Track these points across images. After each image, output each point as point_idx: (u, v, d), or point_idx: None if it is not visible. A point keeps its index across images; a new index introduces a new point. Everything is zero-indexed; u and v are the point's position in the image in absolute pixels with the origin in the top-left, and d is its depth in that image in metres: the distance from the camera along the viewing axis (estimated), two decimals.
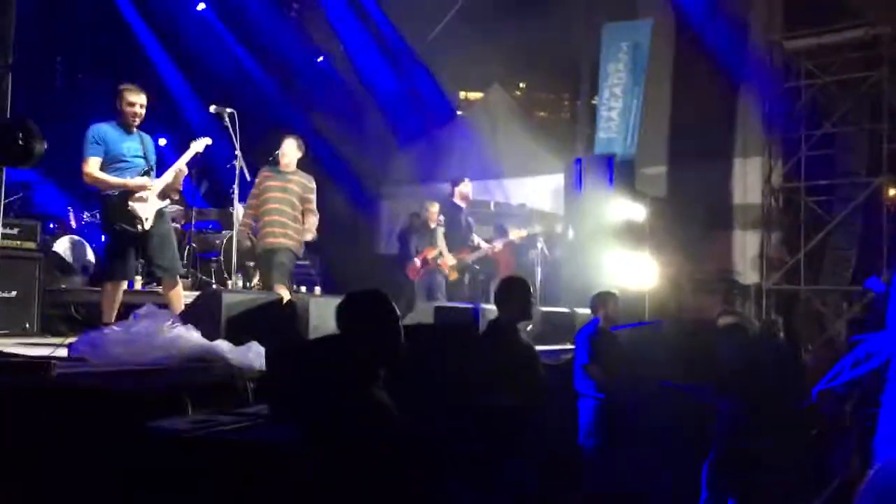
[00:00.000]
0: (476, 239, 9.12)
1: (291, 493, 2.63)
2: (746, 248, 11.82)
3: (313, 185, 6.63)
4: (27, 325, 6.27)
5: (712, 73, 11.71)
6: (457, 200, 8.99)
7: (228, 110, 5.93)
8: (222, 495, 2.65)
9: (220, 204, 9.56)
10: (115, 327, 4.42)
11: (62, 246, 8.28)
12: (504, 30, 12.69)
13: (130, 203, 5.44)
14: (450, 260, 8.74)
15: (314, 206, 6.61)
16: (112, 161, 5.48)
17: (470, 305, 6.67)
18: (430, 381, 3.65)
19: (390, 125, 13.39)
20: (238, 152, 6.08)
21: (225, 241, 8.58)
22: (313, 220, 6.58)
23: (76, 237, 8.48)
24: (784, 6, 11.64)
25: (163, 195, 5.62)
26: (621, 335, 6.56)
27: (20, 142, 5.20)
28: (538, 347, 5.80)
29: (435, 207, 9.20)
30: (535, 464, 4.09)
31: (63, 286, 7.71)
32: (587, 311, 6.80)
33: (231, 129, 5.91)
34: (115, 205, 5.46)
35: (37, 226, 7.36)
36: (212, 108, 6.14)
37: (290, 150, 6.54)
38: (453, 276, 8.81)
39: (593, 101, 12.34)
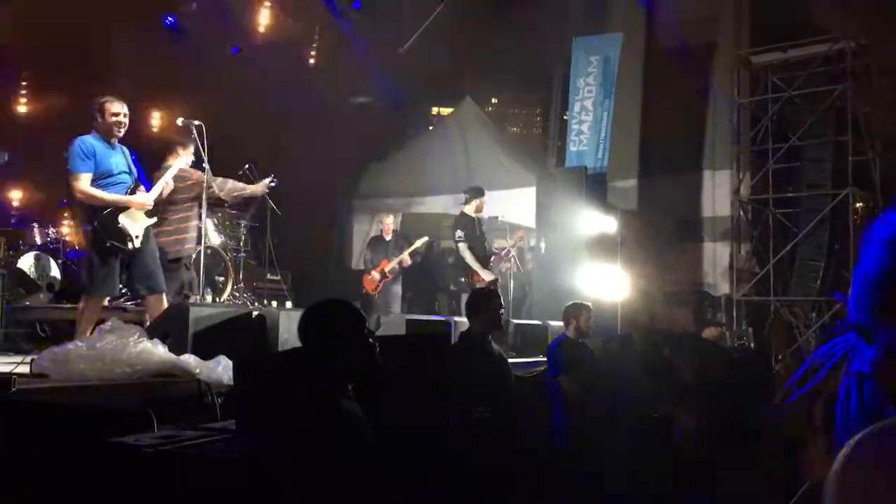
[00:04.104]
0: (491, 246, 8.55)
1: None
2: (716, 260, 11.94)
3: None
4: None
5: (682, 87, 11.85)
6: (470, 212, 8.33)
7: (196, 122, 5.85)
8: None
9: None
10: (79, 343, 4.31)
11: (26, 262, 8.11)
12: (475, 45, 12.74)
13: (121, 220, 5.34)
14: (486, 276, 7.94)
15: None
16: (100, 177, 5.34)
17: (442, 318, 6.63)
18: (403, 392, 3.60)
19: (361, 139, 13.34)
20: (206, 165, 6.00)
21: (194, 255, 8.47)
22: None
23: (41, 253, 8.31)
24: (751, 22, 11.83)
25: (151, 213, 5.55)
26: (592, 347, 6.56)
27: None
28: (511, 360, 5.79)
29: (389, 220, 9.17)
30: (508, 475, 4.05)
31: (27, 303, 7.55)
32: (560, 323, 6.79)
33: (199, 142, 5.82)
34: (105, 222, 5.34)
35: (0, 242, 7.21)
36: (179, 121, 6.06)
37: None
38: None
39: (565, 116, 12.43)
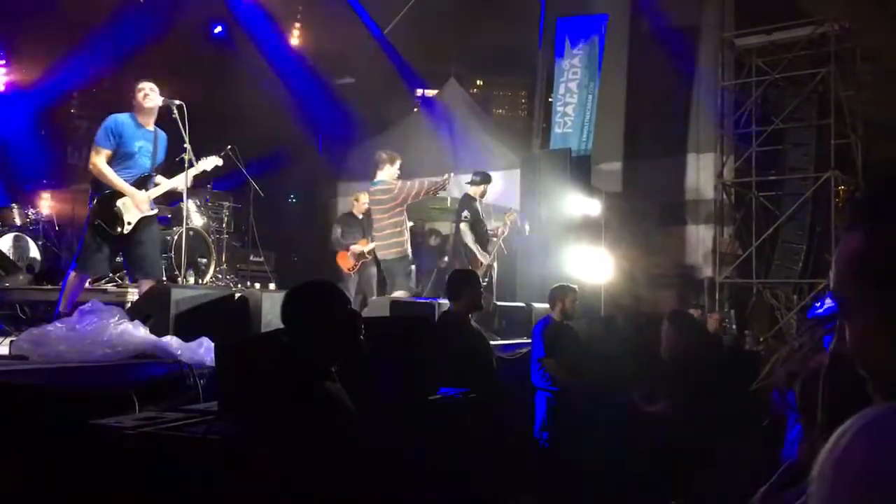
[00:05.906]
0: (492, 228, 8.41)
1: (241, 489, 2.55)
2: (700, 243, 11.99)
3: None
4: None
5: (666, 70, 11.85)
6: (475, 194, 8.14)
7: (177, 102, 5.77)
8: (169, 492, 2.56)
9: (169, 199, 9.35)
10: (59, 324, 4.27)
11: (6, 244, 8.02)
12: (461, 26, 12.67)
13: (118, 204, 5.40)
14: (484, 259, 7.86)
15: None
16: (121, 157, 5.48)
17: (426, 300, 6.61)
18: (385, 373, 3.59)
19: (345, 122, 13.28)
20: (188, 146, 5.93)
21: (176, 237, 8.40)
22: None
23: (21, 234, 8.22)
24: (736, 4, 11.82)
25: (153, 203, 5.63)
26: (577, 328, 6.56)
27: None
28: (495, 343, 5.80)
29: (364, 197, 9.04)
30: (492, 458, 4.06)
31: (7, 285, 7.46)
32: (544, 305, 6.79)
33: (180, 122, 5.75)
34: (103, 200, 5.42)
35: None
36: (160, 101, 5.98)
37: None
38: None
39: (550, 99, 12.40)
